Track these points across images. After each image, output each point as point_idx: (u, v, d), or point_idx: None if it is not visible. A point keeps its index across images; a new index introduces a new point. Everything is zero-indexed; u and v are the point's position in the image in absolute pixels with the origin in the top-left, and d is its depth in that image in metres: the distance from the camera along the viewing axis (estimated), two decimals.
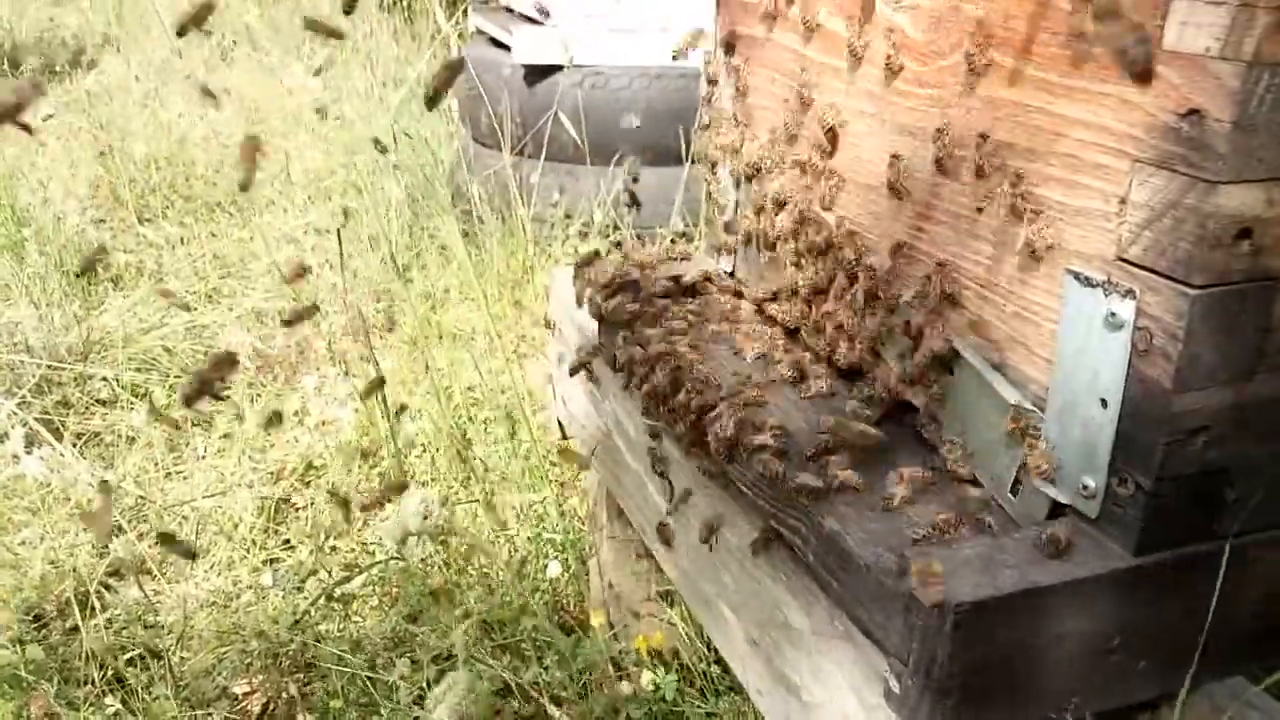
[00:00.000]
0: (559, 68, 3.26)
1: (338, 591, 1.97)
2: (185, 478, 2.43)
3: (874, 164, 1.20)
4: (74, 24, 6.53)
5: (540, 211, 3.23)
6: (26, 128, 0.78)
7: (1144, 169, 0.84)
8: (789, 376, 1.31)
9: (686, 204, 3.20)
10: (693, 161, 3.16)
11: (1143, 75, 0.82)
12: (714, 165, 1.55)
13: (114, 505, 2.25)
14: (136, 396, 2.72)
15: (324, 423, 2.57)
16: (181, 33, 1.02)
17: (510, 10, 3.66)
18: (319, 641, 1.85)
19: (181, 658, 1.88)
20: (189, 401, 1.00)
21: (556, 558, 2.01)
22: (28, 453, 2.35)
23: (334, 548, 2.21)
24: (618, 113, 3.31)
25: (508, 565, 1.93)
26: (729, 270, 1.57)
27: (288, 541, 2.24)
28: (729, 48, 1.48)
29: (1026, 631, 0.89)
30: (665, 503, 1.42)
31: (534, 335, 2.83)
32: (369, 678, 1.77)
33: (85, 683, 1.79)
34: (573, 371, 1.58)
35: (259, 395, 2.72)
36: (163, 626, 1.95)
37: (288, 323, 1.18)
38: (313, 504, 2.34)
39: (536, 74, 3.37)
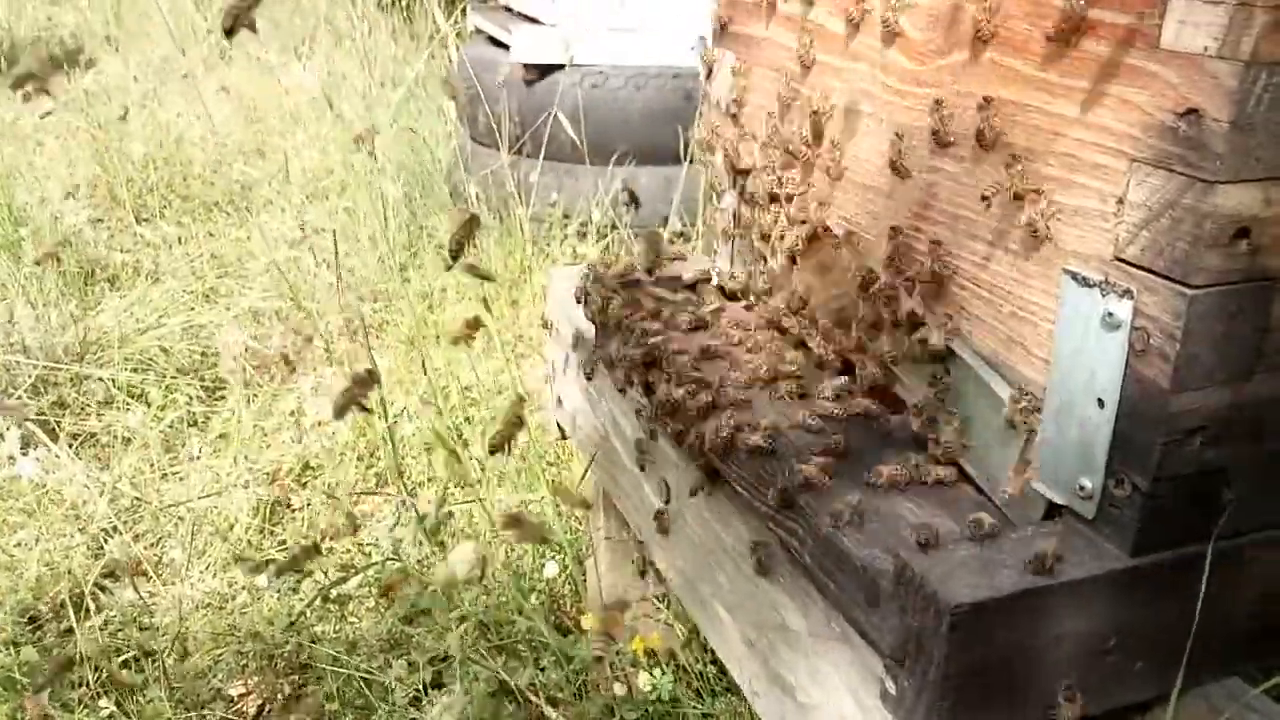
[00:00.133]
0: (558, 67, 3.26)
1: (333, 592, 1.96)
2: (181, 478, 2.42)
3: (872, 163, 1.20)
4: (71, 23, 6.53)
5: (538, 211, 3.23)
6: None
7: (1142, 168, 0.84)
8: (784, 375, 1.30)
9: (684, 203, 3.20)
10: (690, 161, 3.16)
11: None
12: (711, 152, 1.54)
13: (110, 506, 2.24)
14: (133, 397, 2.71)
15: (320, 423, 2.56)
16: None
17: (509, 9, 3.66)
18: (314, 643, 1.85)
19: (176, 659, 1.87)
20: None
21: (553, 558, 2.01)
22: (23, 454, 2.35)
23: (330, 549, 2.20)
24: (616, 112, 3.31)
25: (504, 566, 1.92)
26: (726, 266, 1.57)
27: (284, 542, 2.24)
28: (722, 38, 1.48)
29: (1023, 633, 0.88)
30: (658, 499, 1.41)
31: (531, 335, 2.82)
32: (365, 679, 1.76)
33: (80, 684, 1.78)
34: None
35: (255, 396, 2.71)
36: (158, 628, 1.95)
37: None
38: (309, 505, 2.33)
39: (535, 73, 3.36)
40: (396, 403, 2.59)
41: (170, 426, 2.59)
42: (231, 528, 2.24)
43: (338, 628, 1.92)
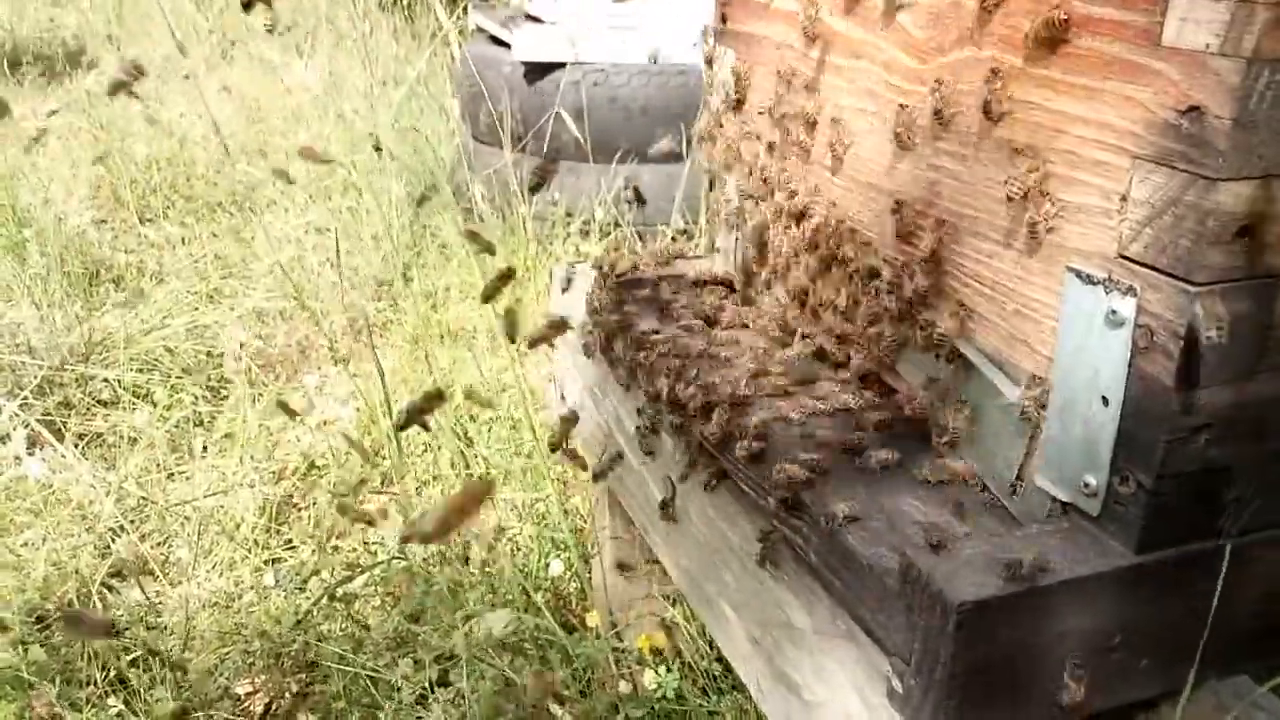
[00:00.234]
0: (560, 65, 3.26)
1: (340, 591, 1.97)
2: (187, 478, 2.43)
3: (874, 162, 1.20)
4: (73, 24, 6.53)
5: (541, 209, 3.23)
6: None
7: (1144, 166, 0.84)
8: (784, 372, 1.31)
9: (686, 201, 3.20)
10: (694, 160, 3.16)
11: None
12: (712, 145, 1.55)
13: (116, 505, 2.25)
14: (138, 397, 2.72)
15: (325, 422, 2.57)
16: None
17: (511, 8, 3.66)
18: (321, 641, 1.85)
19: (184, 658, 1.88)
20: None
21: (559, 556, 2.01)
22: (30, 454, 2.35)
23: (336, 547, 2.21)
24: (618, 110, 3.31)
25: (510, 564, 1.93)
26: (728, 259, 1.57)
27: (290, 541, 2.24)
28: (722, 35, 1.48)
29: (1028, 630, 0.88)
30: (664, 488, 1.41)
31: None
32: (371, 677, 1.77)
33: (87, 683, 1.79)
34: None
35: (260, 395, 2.72)
36: (165, 627, 1.95)
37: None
38: (315, 504, 2.34)
39: (537, 71, 3.36)
40: (401, 401, 2.59)
41: (176, 426, 2.60)
42: (238, 527, 2.25)
43: (344, 626, 1.93)
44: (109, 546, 2.19)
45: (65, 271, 3.28)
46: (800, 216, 1.34)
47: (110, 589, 2.05)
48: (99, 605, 1.96)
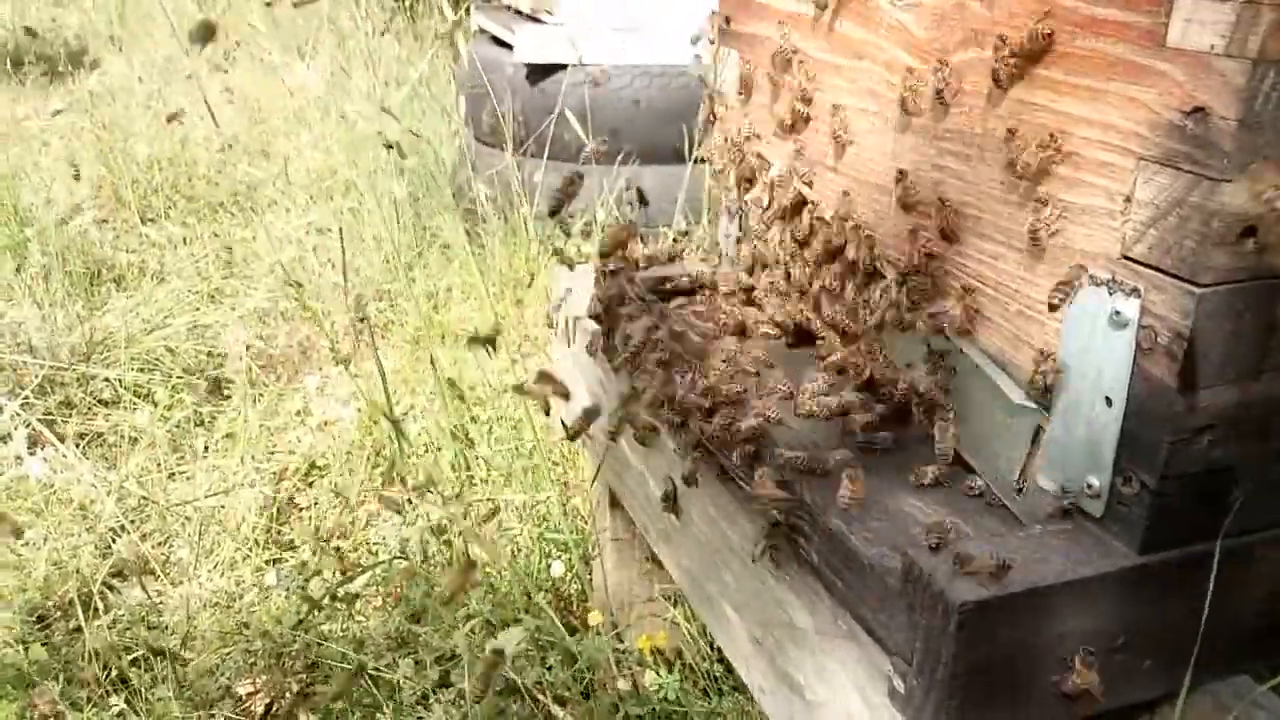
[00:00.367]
0: (561, 66, 3.26)
1: (341, 591, 1.97)
2: (188, 478, 2.43)
3: (876, 162, 1.20)
4: (76, 24, 6.54)
5: (543, 210, 3.23)
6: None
7: (1149, 167, 0.84)
8: (784, 370, 1.31)
9: (689, 202, 3.20)
10: (696, 161, 3.16)
11: None
12: (716, 141, 1.55)
13: (117, 505, 2.25)
14: (139, 397, 2.72)
15: (326, 423, 2.57)
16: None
17: (512, 9, 3.66)
18: (322, 641, 1.85)
19: (185, 658, 1.88)
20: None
21: (560, 557, 2.01)
22: (31, 454, 2.35)
23: (337, 548, 2.21)
24: (620, 111, 3.31)
25: (511, 565, 1.92)
26: (732, 252, 1.57)
27: (291, 541, 2.24)
28: (725, 36, 1.48)
29: (1030, 631, 0.88)
30: (665, 484, 1.41)
31: (537, 335, 2.82)
32: (372, 677, 1.76)
33: (89, 683, 1.79)
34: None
35: (261, 395, 2.72)
36: (166, 627, 1.95)
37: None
38: (316, 504, 2.34)
39: (539, 73, 3.36)
40: (403, 402, 2.59)
41: (177, 426, 2.60)
42: (239, 527, 2.24)
43: (345, 626, 1.93)
44: (110, 546, 2.19)
45: (66, 271, 3.28)
46: (798, 207, 1.34)
47: (111, 588, 2.05)
48: (100, 604, 1.96)
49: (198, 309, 3.18)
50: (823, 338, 1.35)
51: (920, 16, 1.10)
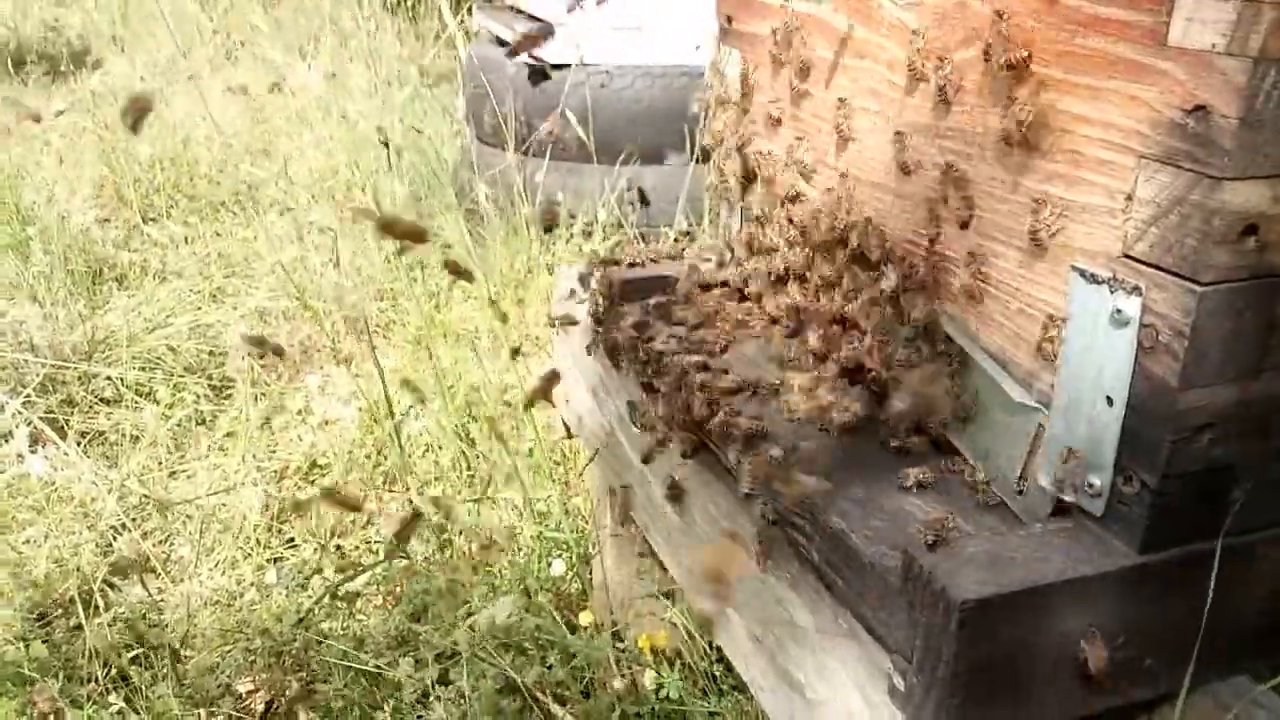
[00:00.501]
0: (563, 66, 3.26)
1: (342, 589, 1.97)
2: (189, 476, 2.43)
3: (878, 161, 1.20)
4: (78, 24, 6.55)
5: (539, 210, 3.23)
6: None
7: (1150, 165, 0.84)
8: (782, 370, 1.31)
9: (690, 203, 3.20)
10: (697, 160, 3.17)
11: None
12: (718, 140, 1.55)
13: (118, 503, 2.25)
14: (141, 396, 2.72)
15: (327, 422, 2.57)
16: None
17: (514, 9, 3.67)
18: (322, 640, 1.85)
19: (185, 655, 1.88)
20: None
21: (560, 556, 2.01)
22: (32, 452, 2.36)
23: (338, 546, 2.21)
24: (621, 112, 3.31)
25: (511, 564, 1.92)
26: (734, 254, 1.57)
27: (291, 540, 2.24)
28: (727, 36, 1.48)
29: (1031, 629, 0.88)
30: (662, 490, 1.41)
31: (538, 334, 2.83)
32: (372, 676, 1.77)
33: (89, 680, 1.79)
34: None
35: (263, 394, 2.72)
36: (166, 625, 1.95)
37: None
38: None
39: (540, 73, 3.36)
40: (403, 401, 2.59)
41: (179, 425, 2.60)
42: (240, 525, 2.25)
43: (345, 625, 1.93)
44: (111, 544, 2.19)
45: (68, 270, 3.28)
46: (795, 200, 1.34)
47: (112, 586, 2.05)
48: (100, 602, 1.96)
49: (199, 308, 3.18)
50: (822, 331, 1.35)
51: (921, 15, 1.10)
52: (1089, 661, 0.88)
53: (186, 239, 3.71)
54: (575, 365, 1.70)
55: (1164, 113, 0.82)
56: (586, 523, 2.04)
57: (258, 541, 2.21)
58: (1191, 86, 0.80)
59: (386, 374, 2.16)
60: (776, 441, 1.16)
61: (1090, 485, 0.93)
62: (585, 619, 1.85)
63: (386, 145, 2.35)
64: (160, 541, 2.24)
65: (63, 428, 2.54)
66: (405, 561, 1.98)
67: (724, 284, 1.57)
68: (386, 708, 1.71)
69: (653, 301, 1.54)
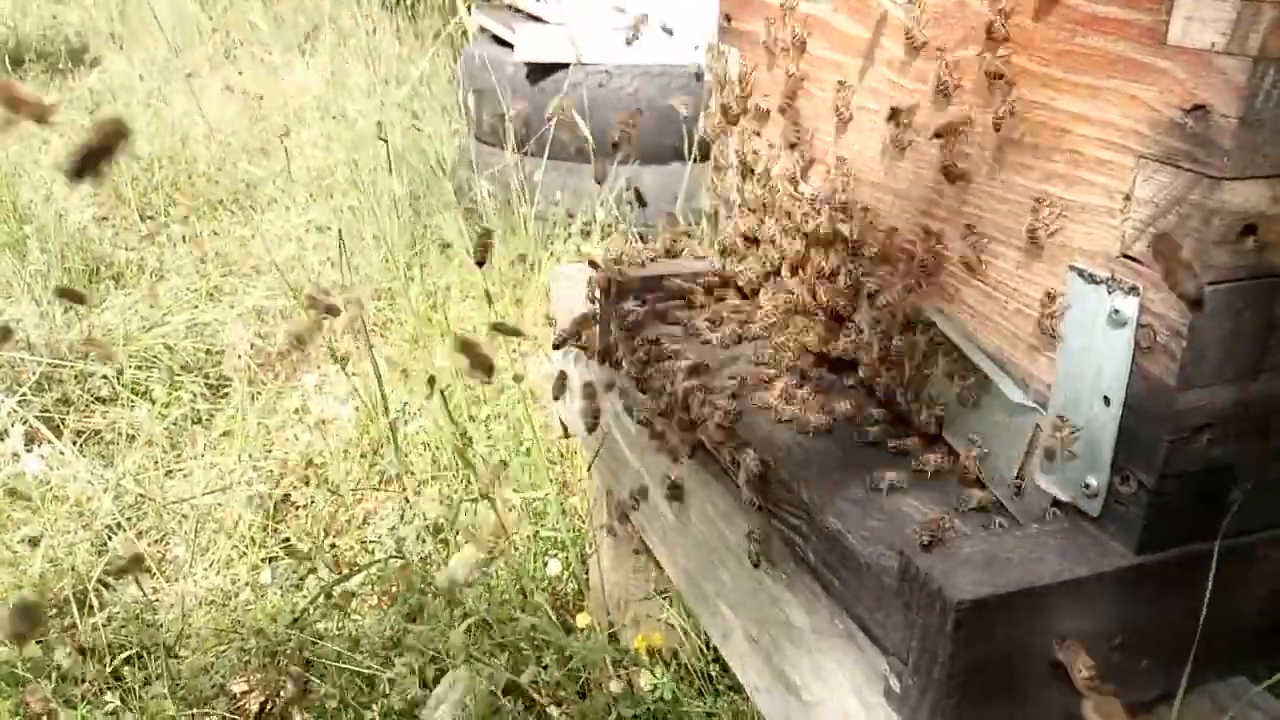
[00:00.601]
0: (562, 66, 3.25)
1: (337, 590, 1.96)
2: (185, 475, 2.42)
3: (876, 159, 1.20)
4: (76, 21, 6.54)
5: (542, 210, 3.23)
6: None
7: (1148, 165, 0.84)
8: (782, 367, 1.31)
9: (688, 202, 3.20)
10: (695, 160, 3.16)
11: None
12: (719, 138, 1.55)
13: (114, 503, 2.24)
14: (137, 394, 2.71)
15: (324, 421, 2.56)
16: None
17: (513, 8, 3.66)
18: (317, 640, 1.85)
19: (180, 655, 1.87)
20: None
21: (556, 556, 2.00)
22: (28, 450, 2.35)
23: (333, 545, 2.20)
24: (620, 111, 3.30)
25: (507, 564, 1.92)
26: (732, 250, 1.57)
27: (287, 540, 2.24)
28: (726, 35, 1.48)
29: (1027, 630, 0.88)
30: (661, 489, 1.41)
31: (536, 333, 2.82)
32: (367, 676, 1.76)
33: (82, 680, 1.78)
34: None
35: (259, 393, 2.71)
36: (161, 624, 1.95)
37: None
38: (313, 502, 2.33)
39: (539, 72, 3.36)
40: (399, 401, 2.59)
41: (175, 424, 2.60)
42: (236, 525, 2.24)
43: (340, 625, 1.92)
44: (106, 543, 2.18)
45: (65, 268, 3.27)
46: (793, 197, 1.34)
47: (107, 586, 2.04)
48: (95, 602, 1.96)
49: (196, 307, 3.18)
50: (818, 328, 1.34)
51: (920, 14, 1.09)
52: (1070, 674, 0.88)
53: (184, 238, 3.70)
54: (574, 364, 1.70)
55: (1163, 112, 0.82)
56: (583, 522, 2.04)
57: (253, 541, 2.21)
58: (1191, 86, 0.79)
59: (383, 372, 2.16)
60: (771, 442, 1.16)
61: (1087, 485, 0.93)
62: (582, 620, 1.85)
63: (385, 143, 2.35)
64: (156, 541, 2.23)
65: (59, 426, 2.53)
66: (401, 561, 1.97)
67: (722, 281, 1.56)
68: (376, 708, 1.71)
69: (651, 300, 1.53)
